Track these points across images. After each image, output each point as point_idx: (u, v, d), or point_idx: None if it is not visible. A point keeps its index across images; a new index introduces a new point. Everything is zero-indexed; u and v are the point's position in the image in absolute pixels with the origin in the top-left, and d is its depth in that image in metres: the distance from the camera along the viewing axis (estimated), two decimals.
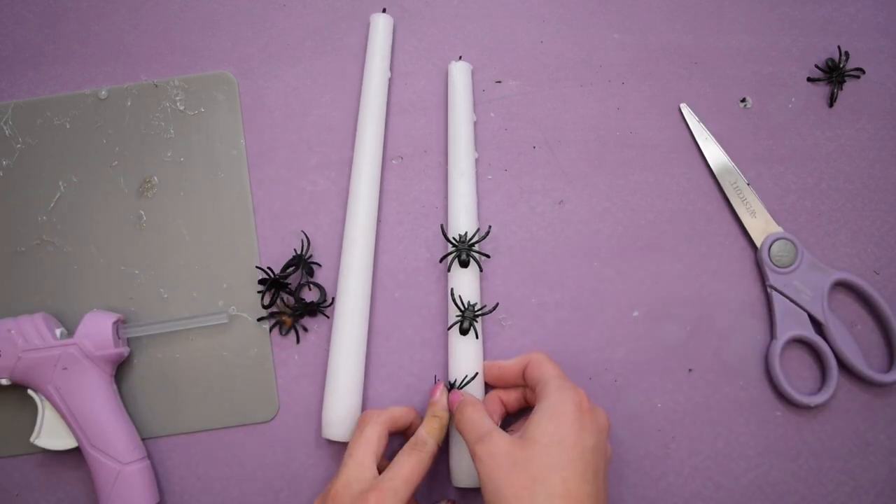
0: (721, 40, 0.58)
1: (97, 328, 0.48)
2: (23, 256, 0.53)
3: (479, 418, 0.43)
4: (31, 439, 0.48)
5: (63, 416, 0.47)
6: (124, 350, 0.50)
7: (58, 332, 0.49)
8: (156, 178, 0.54)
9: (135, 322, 0.51)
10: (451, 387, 0.49)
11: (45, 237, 0.53)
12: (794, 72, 0.58)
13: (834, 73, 0.57)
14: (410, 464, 0.43)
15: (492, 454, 0.40)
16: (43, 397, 0.48)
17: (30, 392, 0.48)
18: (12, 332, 0.48)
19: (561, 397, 0.42)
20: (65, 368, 0.47)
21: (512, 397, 0.49)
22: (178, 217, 0.54)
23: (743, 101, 0.57)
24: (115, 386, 0.50)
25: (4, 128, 0.55)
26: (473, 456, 0.42)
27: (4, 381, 0.48)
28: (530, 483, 0.38)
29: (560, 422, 0.41)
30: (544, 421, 0.41)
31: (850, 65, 0.57)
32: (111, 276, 0.53)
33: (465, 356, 0.49)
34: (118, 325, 0.50)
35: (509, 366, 0.48)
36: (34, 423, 0.49)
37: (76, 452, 0.49)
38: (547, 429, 0.40)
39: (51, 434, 0.48)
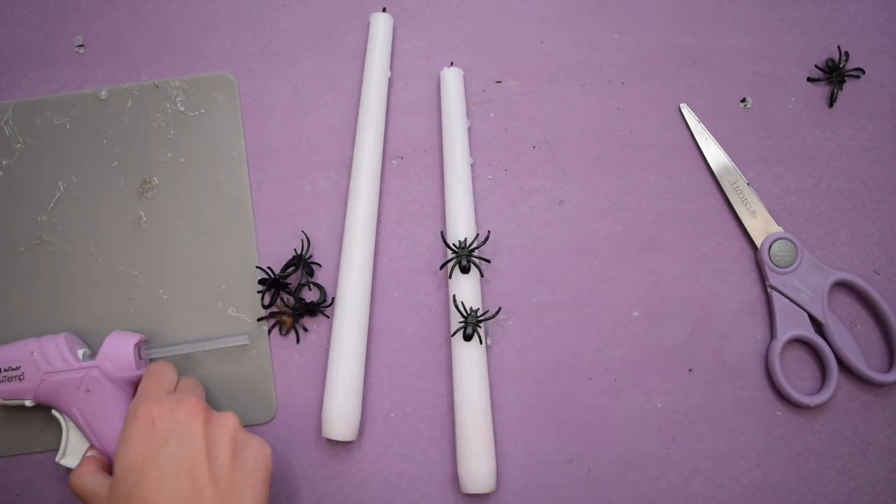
0: (721, 40, 0.58)
1: (120, 350, 0.47)
2: (22, 256, 0.53)
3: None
4: (57, 459, 0.47)
5: (87, 437, 0.47)
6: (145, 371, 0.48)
7: (80, 352, 0.48)
8: (156, 179, 0.54)
9: (157, 343, 0.51)
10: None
11: (44, 237, 0.53)
12: (794, 72, 0.58)
13: (834, 73, 0.57)
14: None
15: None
16: (67, 418, 0.47)
17: (54, 413, 0.48)
18: (35, 354, 0.47)
19: (134, 414, 0.43)
20: (88, 391, 0.47)
21: None
22: (177, 217, 0.54)
23: (743, 101, 0.57)
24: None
25: (4, 128, 0.55)
26: None
27: (28, 403, 0.47)
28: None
29: (126, 441, 0.42)
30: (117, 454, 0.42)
31: (850, 65, 0.57)
32: (111, 276, 0.53)
33: (469, 362, 0.49)
34: (140, 346, 0.49)
35: None
36: (58, 442, 0.48)
37: None
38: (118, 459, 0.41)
39: (76, 454, 0.47)
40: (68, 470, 0.48)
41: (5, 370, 0.47)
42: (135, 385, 0.48)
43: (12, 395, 0.47)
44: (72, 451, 0.47)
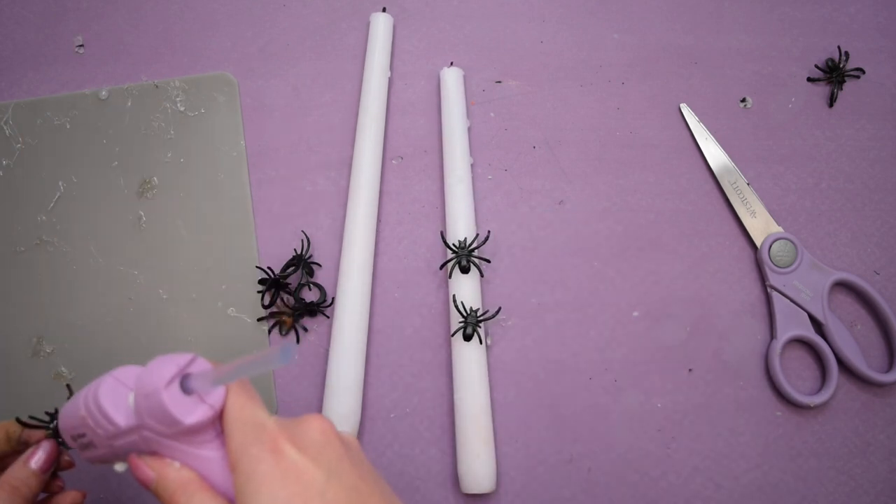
0: (721, 40, 0.58)
1: (152, 404, 0.31)
2: (22, 256, 0.53)
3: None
4: None
5: None
6: (207, 411, 0.31)
7: (130, 397, 0.33)
8: (156, 179, 0.54)
9: (202, 372, 0.32)
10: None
11: (44, 237, 0.53)
12: (794, 72, 0.58)
13: (834, 73, 0.57)
14: None
15: None
16: None
17: None
18: (88, 420, 0.34)
19: (250, 460, 0.30)
20: (155, 453, 0.33)
21: None
22: (177, 218, 0.54)
23: (743, 101, 0.57)
24: (223, 450, 0.32)
25: (4, 128, 0.55)
26: None
27: (119, 468, 0.36)
28: None
29: (269, 491, 0.29)
30: (254, 498, 0.29)
31: (850, 65, 0.57)
32: (110, 276, 0.53)
33: (469, 362, 0.49)
34: (185, 380, 0.32)
35: None
36: None
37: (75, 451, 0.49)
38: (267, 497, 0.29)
39: None
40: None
41: (77, 437, 0.35)
42: (203, 431, 0.32)
43: (100, 461, 0.36)
44: None
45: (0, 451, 0.39)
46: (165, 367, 0.31)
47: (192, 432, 0.31)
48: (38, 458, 0.37)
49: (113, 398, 0.33)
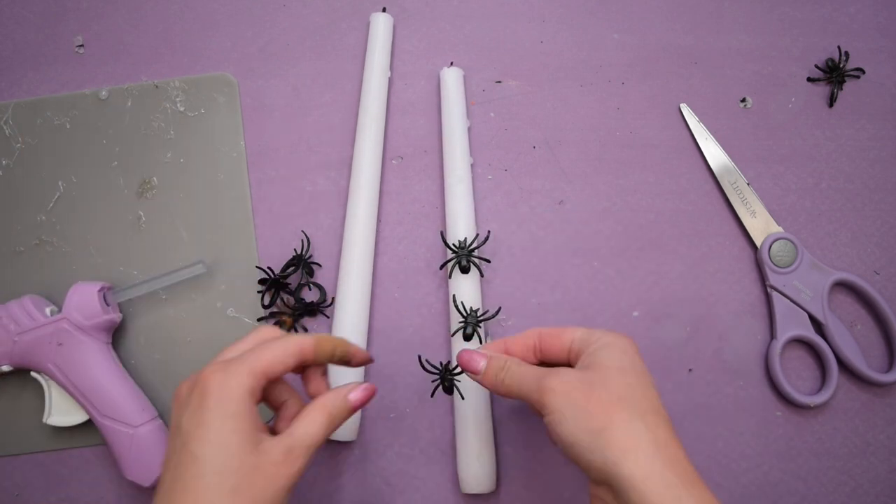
0: (721, 40, 0.58)
1: (84, 299, 0.48)
2: (22, 256, 0.53)
3: (527, 367, 0.40)
4: (44, 420, 0.48)
5: (68, 391, 0.47)
6: (115, 316, 0.50)
7: (48, 310, 0.49)
8: (155, 179, 0.54)
9: (120, 286, 0.51)
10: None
11: (44, 237, 0.53)
12: (794, 72, 0.58)
13: (834, 73, 0.57)
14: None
15: (565, 381, 0.37)
16: (46, 377, 0.48)
17: (33, 374, 0.48)
18: (2, 318, 0.48)
19: (618, 337, 0.40)
20: (60, 344, 0.47)
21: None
22: (177, 218, 0.54)
23: (743, 101, 0.57)
24: (114, 353, 0.50)
25: (4, 127, 0.55)
26: (543, 391, 0.38)
27: (6, 368, 0.48)
28: (615, 399, 0.36)
29: (625, 353, 0.39)
30: (606, 352, 0.39)
31: (850, 65, 0.57)
32: (110, 276, 0.53)
33: None
34: (105, 292, 0.50)
35: (515, 342, 0.43)
36: (42, 407, 0.49)
37: (76, 451, 0.49)
38: (613, 355, 0.38)
39: (61, 412, 0.48)
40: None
41: None
42: (106, 331, 0.49)
43: None
44: (57, 409, 0.48)
45: (320, 360, 0.41)
46: (93, 284, 0.49)
47: (97, 327, 0.48)
48: (356, 395, 0.40)
49: (36, 305, 0.48)
